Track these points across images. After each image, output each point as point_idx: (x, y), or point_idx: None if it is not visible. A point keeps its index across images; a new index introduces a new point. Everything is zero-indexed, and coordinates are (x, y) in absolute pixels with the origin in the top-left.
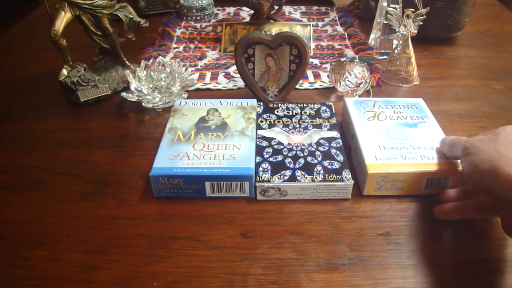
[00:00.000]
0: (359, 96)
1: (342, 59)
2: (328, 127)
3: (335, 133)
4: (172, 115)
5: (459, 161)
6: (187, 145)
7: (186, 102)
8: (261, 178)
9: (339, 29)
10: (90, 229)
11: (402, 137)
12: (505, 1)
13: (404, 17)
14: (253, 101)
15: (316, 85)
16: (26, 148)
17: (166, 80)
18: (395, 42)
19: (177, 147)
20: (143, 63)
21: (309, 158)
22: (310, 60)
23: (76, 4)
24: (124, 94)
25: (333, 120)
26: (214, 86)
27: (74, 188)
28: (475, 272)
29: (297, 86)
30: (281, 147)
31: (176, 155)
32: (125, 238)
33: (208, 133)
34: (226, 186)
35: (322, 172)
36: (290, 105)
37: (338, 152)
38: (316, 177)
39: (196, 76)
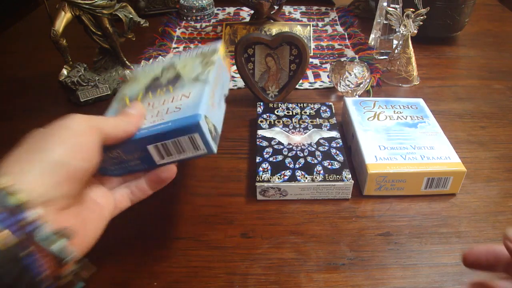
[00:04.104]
0: (359, 96)
1: (342, 59)
2: (328, 127)
3: (335, 133)
4: (124, 85)
5: None
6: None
7: (142, 68)
8: (261, 178)
9: (339, 29)
10: None
11: (402, 137)
12: (505, 1)
13: (404, 17)
14: (217, 43)
15: (316, 85)
16: None
17: None
18: (395, 42)
19: None
20: (143, 63)
21: (309, 158)
22: (310, 60)
23: (76, 4)
24: None
25: (333, 120)
26: None
27: None
28: (474, 273)
29: (297, 86)
30: (281, 147)
31: None
32: (125, 238)
33: (157, 90)
34: (174, 146)
35: (322, 172)
36: (290, 105)
37: (338, 152)
38: (316, 177)
39: None
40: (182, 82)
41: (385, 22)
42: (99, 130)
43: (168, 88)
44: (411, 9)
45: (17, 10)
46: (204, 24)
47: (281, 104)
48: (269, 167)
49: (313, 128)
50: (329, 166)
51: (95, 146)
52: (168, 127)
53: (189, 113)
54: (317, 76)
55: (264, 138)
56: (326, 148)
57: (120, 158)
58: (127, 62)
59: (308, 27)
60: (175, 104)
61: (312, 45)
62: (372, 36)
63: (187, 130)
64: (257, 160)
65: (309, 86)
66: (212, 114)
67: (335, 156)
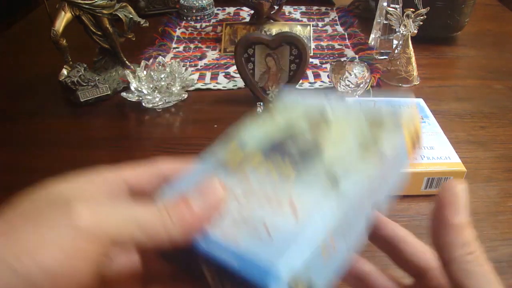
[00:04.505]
0: (359, 96)
1: (342, 59)
2: None
3: None
4: (256, 117)
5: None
6: (230, 178)
7: (294, 97)
8: None
9: (339, 29)
10: None
11: None
12: (505, 1)
13: (404, 17)
14: (405, 108)
15: (316, 85)
16: (26, 148)
17: (166, 80)
18: (395, 42)
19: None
20: (143, 63)
21: None
22: (310, 60)
23: (76, 4)
24: (124, 94)
25: None
26: (214, 86)
27: None
28: None
29: (297, 86)
30: None
31: None
32: None
33: (276, 164)
34: None
35: None
36: None
37: None
38: None
39: (196, 76)
40: (312, 169)
41: (385, 22)
42: (107, 240)
43: (285, 167)
44: (411, 9)
45: (17, 10)
46: (204, 24)
47: None
48: None
49: None
50: None
51: (86, 267)
52: (229, 262)
53: (266, 258)
54: (317, 76)
55: None
56: None
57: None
58: (127, 62)
59: (308, 27)
60: (270, 217)
61: (312, 45)
62: (372, 36)
63: (250, 285)
64: None
65: (309, 86)
66: (321, 267)
67: None
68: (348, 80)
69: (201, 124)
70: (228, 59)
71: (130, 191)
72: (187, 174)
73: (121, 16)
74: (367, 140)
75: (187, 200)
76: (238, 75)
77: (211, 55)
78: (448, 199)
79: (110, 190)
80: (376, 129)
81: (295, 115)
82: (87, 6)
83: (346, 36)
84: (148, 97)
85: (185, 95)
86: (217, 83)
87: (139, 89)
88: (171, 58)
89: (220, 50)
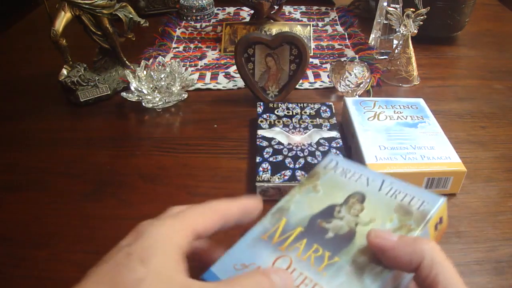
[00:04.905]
0: (359, 96)
1: (342, 59)
2: (328, 127)
3: (335, 133)
4: (302, 184)
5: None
6: (270, 255)
7: (336, 163)
8: (261, 178)
9: (339, 29)
10: (90, 229)
11: (402, 137)
12: (505, 1)
13: (404, 17)
14: (435, 203)
15: (316, 85)
16: (26, 148)
17: (166, 80)
18: (395, 42)
19: (259, 252)
20: (143, 63)
21: (309, 158)
22: (310, 60)
23: (76, 4)
24: (124, 94)
25: (333, 120)
26: (214, 86)
27: (74, 188)
28: (474, 273)
29: (297, 86)
30: (281, 147)
31: (246, 266)
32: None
33: (313, 245)
34: None
35: None
36: (290, 105)
37: (338, 152)
38: None
39: (196, 76)
40: (347, 257)
41: (385, 22)
42: None
43: (324, 253)
44: (411, 9)
45: (17, 10)
46: (204, 24)
47: (281, 104)
48: (269, 167)
49: (313, 128)
50: None
51: None
52: None
53: None
54: (317, 76)
55: (264, 138)
56: (326, 148)
57: None
58: (127, 62)
59: (308, 27)
60: None
61: (312, 45)
62: (372, 36)
63: None
64: (257, 160)
65: (309, 86)
66: None
67: None
68: (348, 80)
69: (201, 124)
70: (228, 59)
71: (196, 238)
72: (239, 246)
73: (121, 16)
74: (398, 226)
75: (269, 274)
76: (238, 75)
77: (211, 55)
78: (375, 240)
79: (184, 247)
80: (404, 220)
81: (336, 193)
82: (87, 6)
83: (346, 36)
84: (148, 97)
85: (185, 95)
86: (217, 83)
87: (139, 89)
88: (171, 58)
89: (220, 50)
